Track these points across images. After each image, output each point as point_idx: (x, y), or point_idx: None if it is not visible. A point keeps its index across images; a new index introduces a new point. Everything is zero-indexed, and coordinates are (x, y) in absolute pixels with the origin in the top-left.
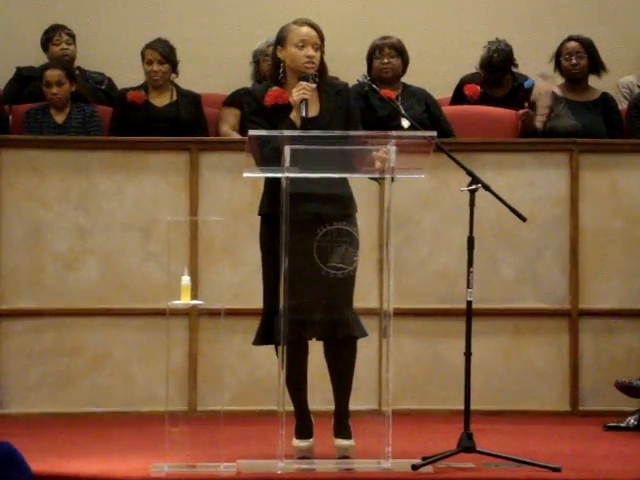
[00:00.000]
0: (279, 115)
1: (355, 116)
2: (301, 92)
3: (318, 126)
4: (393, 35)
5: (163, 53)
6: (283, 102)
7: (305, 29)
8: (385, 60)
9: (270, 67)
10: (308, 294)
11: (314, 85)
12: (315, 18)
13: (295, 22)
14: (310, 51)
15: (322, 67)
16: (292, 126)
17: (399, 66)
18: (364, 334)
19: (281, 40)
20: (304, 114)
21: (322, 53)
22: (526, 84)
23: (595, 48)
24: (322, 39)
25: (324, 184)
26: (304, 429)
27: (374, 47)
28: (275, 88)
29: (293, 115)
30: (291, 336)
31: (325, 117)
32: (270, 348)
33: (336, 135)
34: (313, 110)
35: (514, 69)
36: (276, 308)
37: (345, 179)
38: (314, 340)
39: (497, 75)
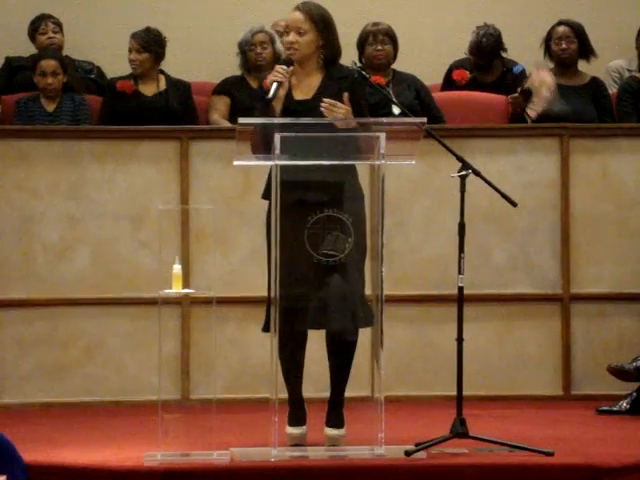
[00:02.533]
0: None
1: (357, 103)
2: (274, 74)
3: (307, 109)
4: (383, 22)
5: (141, 42)
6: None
7: (292, 14)
8: (379, 47)
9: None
10: (302, 282)
11: (291, 68)
12: None
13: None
14: (290, 37)
15: (331, 52)
16: (265, 108)
17: (391, 52)
18: (368, 324)
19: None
20: (270, 95)
21: (324, 36)
22: (515, 69)
23: (585, 33)
24: (315, 22)
25: (315, 171)
26: (297, 416)
27: (367, 33)
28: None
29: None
30: (286, 325)
31: (316, 100)
32: (265, 335)
33: (320, 122)
34: (305, 94)
35: (503, 54)
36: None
37: (341, 166)
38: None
39: (486, 60)
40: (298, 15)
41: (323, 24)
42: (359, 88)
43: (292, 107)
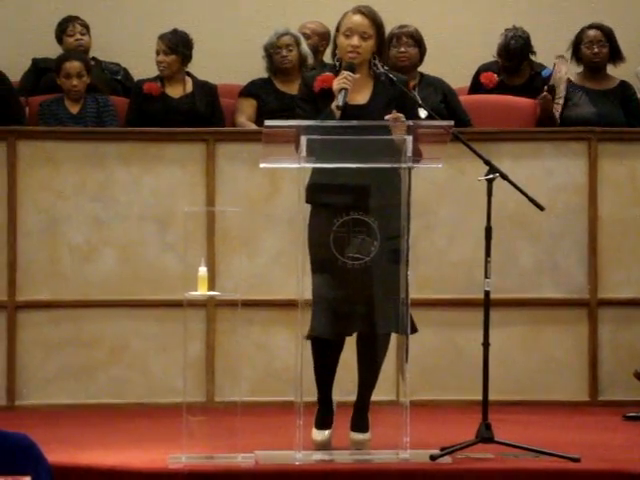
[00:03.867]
0: (327, 101)
1: (410, 109)
2: (341, 81)
3: (362, 114)
4: (411, 24)
5: (169, 44)
6: (331, 87)
7: (355, 17)
8: (402, 49)
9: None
10: (332, 286)
11: (357, 75)
12: (333, 8)
13: (352, 9)
14: (355, 40)
15: (385, 58)
16: (331, 114)
17: (416, 55)
18: (397, 329)
19: (337, 26)
20: (340, 103)
21: (378, 42)
22: (544, 73)
23: (615, 37)
24: (379, 25)
25: (344, 174)
26: (326, 419)
27: (391, 36)
28: (326, 73)
29: (334, 104)
30: (321, 329)
31: (371, 106)
32: (290, 338)
33: (354, 125)
34: (361, 98)
35: (532, 57)
36: (316, 299)
37: (377, 171)
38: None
39: (515, 62)
40: (363, 19)
41: (382, 30)
42: (409, 98)
43: (348, 112)
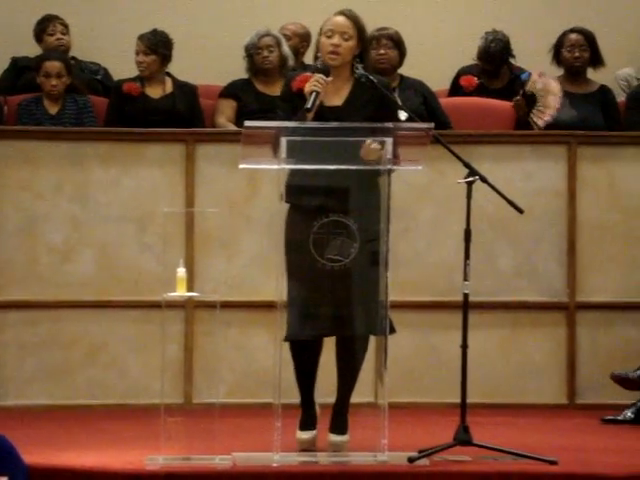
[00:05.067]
0: (304, 101)
1: (390, 112)
2: (313, 84)
3: (337, 116)
4: (391, 27)
5: (149, 44)
6: None
7: (337, 18)
8: (381, 51)
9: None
10: (310, 288)
11: (330, 79)
12: (313, 9)
13: (335, 13)
14: (335, 40)
15: (366, 61)
16: (304, 115)
17: (395, 57)
18: (376, 331)
19: (320, 31)
20: (309, 105)
21: (360, 45)
22: (523, 76)
23: (596, 41)
24: (360, 29)
25: (323, 176)
26: (309, 421)
27: (371, 38)
28: (306, 73)
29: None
30: (301, 332)
31: (347, 108)
32: (269, 340)
33: (332, 127)
34: (337, 100)
35: (511, 60)
36: (292, 301)
37: (355, 172)
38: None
39: (494, 66)
40: (345, 20)
41: (364, 34)
42: (389, 100)
43: (324, 113)
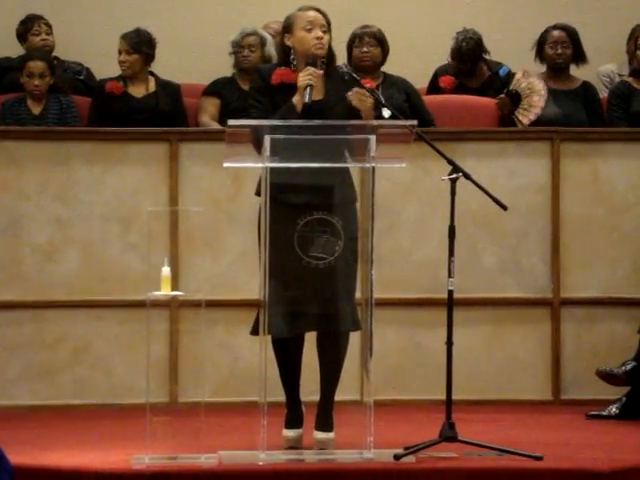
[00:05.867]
0: (284, 95)
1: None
2: (307, 77)
3: (321, 110)
4: (374, 25)
5: (132, 44)
6: (289, 81)
7: (311, 13)
8: (365, 49)
9: (279, 56)
10: (294, 285)
11: (321, 71)
12: (296, 8)
13: (300, 9)
14: (319, 32)
15: (330, 53)
16: (293, 109)
17: (378, 55)
18: (358, 327)
19: (288, 27)
20: (307, 100)
21: (330, 38)
22: (501, 72)
23: (579, 38)
24: (329, 23)
25: (307, 174)
26: (294, 419)
27: (354, 36)
28: (284, 68)
29: (296, 99)
30: (280, 329)
31: (328, 102)
32: (254, 339)
33: (317, 124)
34: (317, 94)
35: (487, 57)
36: (272, 298)
37: (336, 169)
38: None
39: (468, 64)
40: (319, 14)
41: (329, 26)
42: (361, 86)
43: (308, 108)
